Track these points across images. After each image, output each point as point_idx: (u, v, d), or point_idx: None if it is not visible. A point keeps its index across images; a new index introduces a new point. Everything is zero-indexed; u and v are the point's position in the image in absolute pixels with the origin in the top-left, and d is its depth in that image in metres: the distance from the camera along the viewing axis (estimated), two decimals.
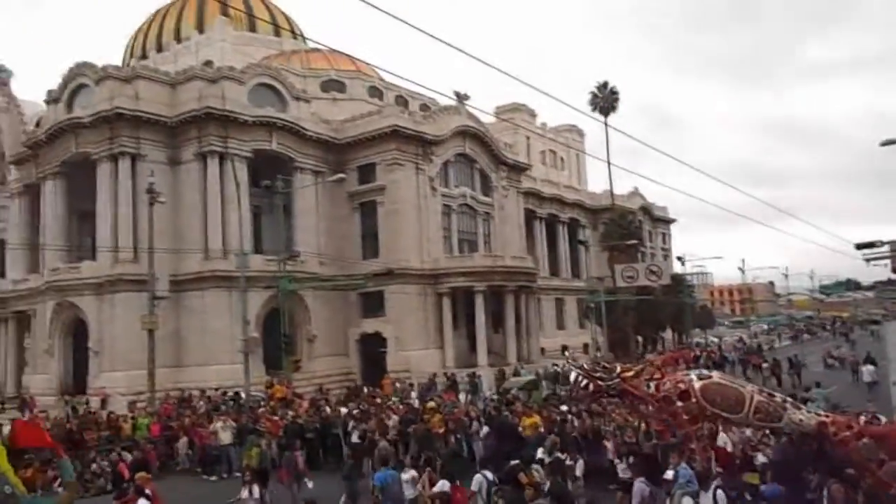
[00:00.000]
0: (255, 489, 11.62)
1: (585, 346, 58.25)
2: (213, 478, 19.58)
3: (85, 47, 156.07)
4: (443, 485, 10.69)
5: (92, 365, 35.92)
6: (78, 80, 39.13)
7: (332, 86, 50.82)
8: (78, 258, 38.95)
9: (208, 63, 46.54)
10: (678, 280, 59.20)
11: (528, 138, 66.63)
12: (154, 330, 29.47)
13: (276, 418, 21.54)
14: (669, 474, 10.10)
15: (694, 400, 10.62)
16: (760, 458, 12.54)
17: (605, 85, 58.69)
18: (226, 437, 20.31)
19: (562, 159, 74.32)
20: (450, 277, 42.99)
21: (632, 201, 71.33)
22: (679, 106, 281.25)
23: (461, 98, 46.68)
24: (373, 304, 41.67)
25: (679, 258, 66.73)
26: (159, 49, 60.88)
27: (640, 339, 57.92)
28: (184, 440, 20.84)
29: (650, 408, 11.69)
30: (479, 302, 43.09)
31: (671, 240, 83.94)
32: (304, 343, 38.95)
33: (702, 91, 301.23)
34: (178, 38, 60.20)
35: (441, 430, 18.61)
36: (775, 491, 8.77)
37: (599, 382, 11.32)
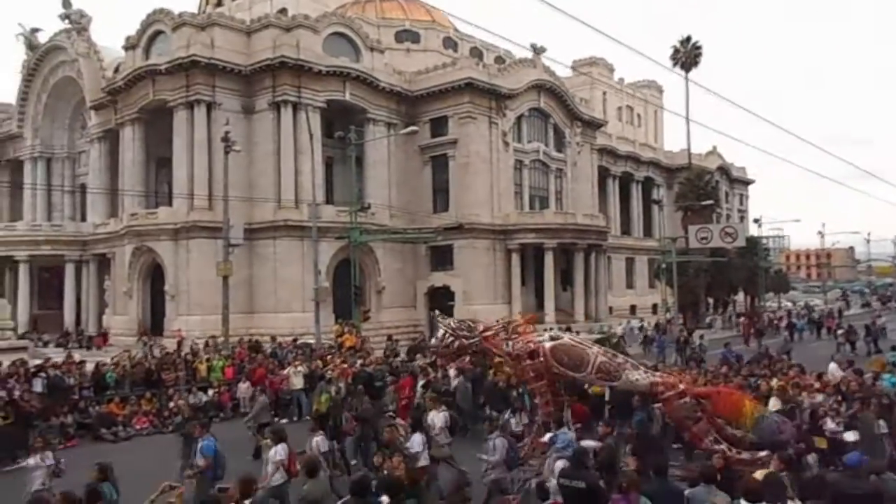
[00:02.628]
0: (319, 438, 11.56)
1: (654, 306, 56.84)
2: (285, 420, 19.76)
3: None
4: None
5: (168, 308, 36.97)
6: (155, 26, 39.42)
7: (407, 36, 49.89)
8: (156, 203, 39.87)
9: (283, 11, 46.20)
10: (753, 242, 56.75)
11: (604, 94, 64.42)
12: (228, 276, 29.87)
13: (345, 366, 21.54)
14: (547, 437, 10.32)
15: (541, 358, 11.41)
16: (830, 424, 12.50)
17: (687, 39, 55.77)
18: (297, 383, 20.57)
19: (639, 116, 71.66)
20: (520, 233, 42.25)
21: (709, 161, 68.35)
22: (761, 63, 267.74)
23: (537, 51, 45.19)
24: (442, 258, 41.40)
25: (756, 220, 64.06)
26: None
27: (710, 301, 56.10)
28: (246, 385, 21.02)
29: (510, 364, 12.61)
30: (549, 259, 42.32)
31: (748, 201, 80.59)
32: (373, 294, 39.09)
33: (785, 48, 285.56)
34: None
35: (506, 384, 18.13)
36: (856, 459, 8.11)
37: (463, 340, 12.12)
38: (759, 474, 7.81)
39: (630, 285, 61.18)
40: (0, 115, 52.97)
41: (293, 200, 37.23)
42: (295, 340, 29.88)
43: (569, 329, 35.85)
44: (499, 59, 51.40)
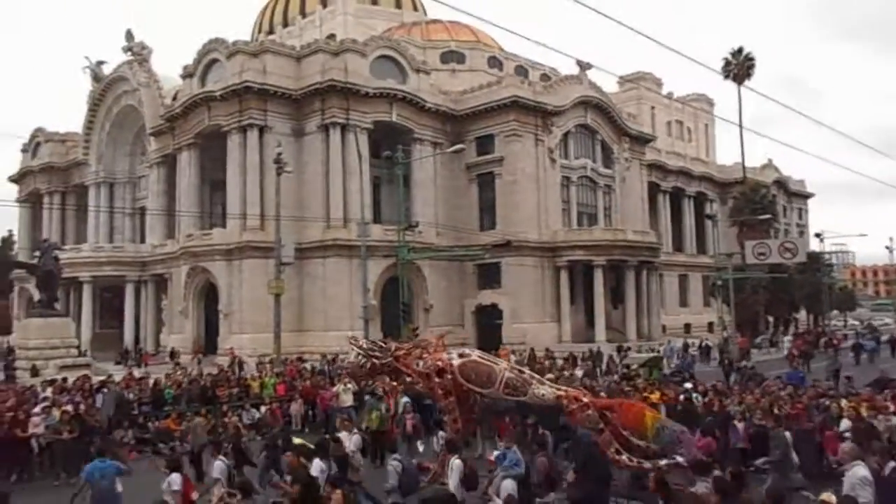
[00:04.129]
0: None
1: (710, 324, 55.37)
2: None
3: (217, 24, 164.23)
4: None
5: (222, 327, 37.88)
6: (210, 55, 40.89)
7: (452, 57, 50.43)
8: (210, 225, 41.08)
9: (332, 36, 47.45)
10: (815, 258, 54.90)
11: (653, 108, 63.63)
12: (280, 294, 30.48)
13: (394, 384, 21.55)
14: (494, 455, 10.44)
15: (450, 376, 11.53)
16: None
17: (739, 51, 54.78)
18: (347, 399, 20.61)
19: (689, 130, 70.43)
20: (568, 251, 41.93)
21: (765, 174, 66.67)
22: (817, 73, 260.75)
23: (583, 67, 45.02)
24: (489, 276, 41.37)
25: (817, 235, 61.82)
26: (285, 24, 62.80)
27: (770, 319, 54.31)
28: (298, 403, 21.28)
29: (421, 383, 12.66)
30: (598, 276, 41.78)
31: (808, 216, 78.14)
32: (421, 312, 39.25)
33: (843, 57, 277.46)
34: (303, 13, 61.81)
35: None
36: None
37: (375, 361, 12.26)
38: (827, 496, 7.34)
39: (684, 303, 59.84)
40: (68, 144, 55.55)
41: (342, 220, 37.86)
42: (334, 359, 30.09)
43: (620, 348, 35.64)
44: (544, 77, 51.41)
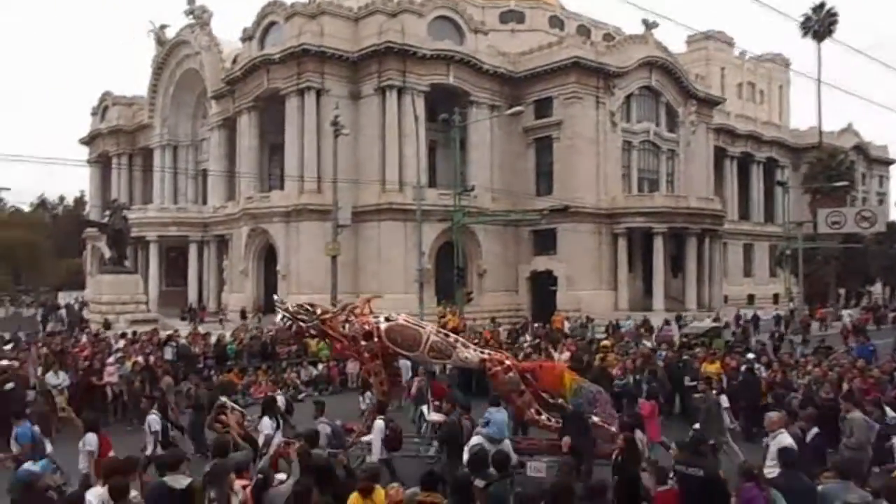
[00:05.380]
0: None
1: (776, 296, 53.52)
2: None
3: None
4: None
5: (280, 287, 38.52)
6: (269, 17, 40.97)
7: (512, 16, 49.26)
8: (269, 187, 41.66)
9: None
10: (895, 228, 52.02)
11: (722, 69, 61.01)
12: (336, 256, 30.88)
13: None
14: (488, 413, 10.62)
15: (376, 339, 11.65)
16: None
17: (821, 6, 51.74)
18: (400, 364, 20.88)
19: (761, 92, 67.27)
20: (627, 217, 40.87)
21: (843, 139, 63.25)
22: None
23: (649, 26, 43.38)
24: (545, 242, 40.75)
25: None
26: None
27: (842, 291, 52.01)
28: (355, 362, 21.53)
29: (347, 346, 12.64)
30: (658, 244, 40.67)
31: (889, 183, 74.06)
32: (475, 277, 39.07)
33: None
34: None
35: (615, 370, 17.56)
36: None
37: (301, 323, 12.19)
38: None
39: (748, 273, 57.92)
40: (134, 107, 57.10)
41: (397, 183, 37.77)
42: None
43: (679, 317, 34.72)
44: (607, 37, 49.74)
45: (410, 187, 35.72)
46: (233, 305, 41.77)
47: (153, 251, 47.49)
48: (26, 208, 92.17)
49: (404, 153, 37.93)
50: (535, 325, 31.25)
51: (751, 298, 54.35)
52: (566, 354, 19.33)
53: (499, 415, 10.52)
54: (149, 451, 10.88)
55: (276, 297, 15.02)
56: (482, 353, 12.08)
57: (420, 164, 37.55)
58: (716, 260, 45.16)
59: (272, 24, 40.93)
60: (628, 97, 43.47)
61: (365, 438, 11.05)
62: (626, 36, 46.03)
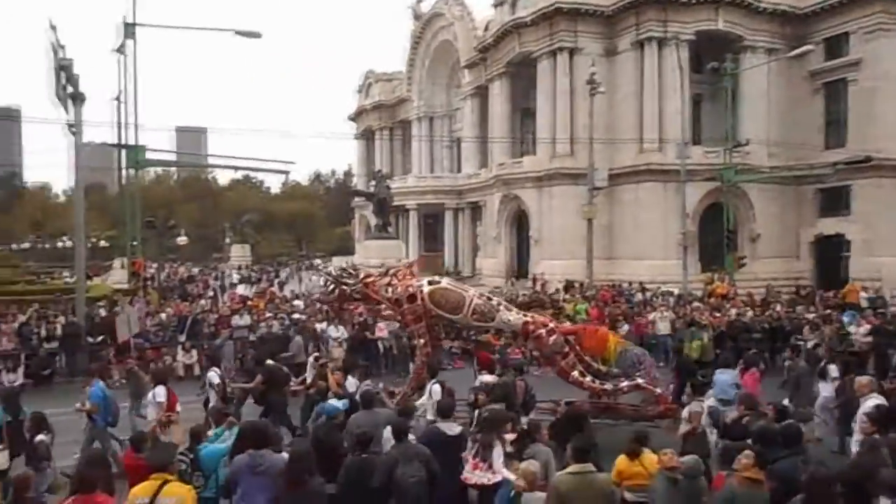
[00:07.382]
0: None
1: None
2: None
3: None
4: None
5: (532, 252, 38.39)
6: None
7: None
8: (521, 153, 41.48)
9: None
10: None
11: None
12: (592, 219, 29.88)
13: (717, 314, 20.10)
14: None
15: (419, 302, 11.73)
16: None
17: None
18: (663, 328, 20.46)
19: None
20: None
21: None
22: None
23: None
24: (834, 201, 35.22)
25: None
26: None
27: None
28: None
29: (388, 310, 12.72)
30: None
31: None
32: (746, 242, 35.25)
33: None
34: None
35: None
36: None
37: (344, 287, 12.43)
38: None
39: None
40: (394, 83, 60.63)
41: (656, 142, 35.27)
42: (657, 288, 28.59)
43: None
44: None
45: (672, 146, 33.08)
46: (487, 270, 42.56)
47: (412, 218, 50.30)
48: (304, 182, 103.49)
49: (664, 110, 35.18)
50: (825, 293, 27.27)
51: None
52: (865, 327, 17.12)
53: (723, 376, 10.59)
54: (212, 404, 10.98)
55: (316, 262, 15.50)
56: (525, 315, 12.14)
57: (684, 121, 34.53)
58: None
59: None
60: None
61: (420, 402, 10.79)
62: None
